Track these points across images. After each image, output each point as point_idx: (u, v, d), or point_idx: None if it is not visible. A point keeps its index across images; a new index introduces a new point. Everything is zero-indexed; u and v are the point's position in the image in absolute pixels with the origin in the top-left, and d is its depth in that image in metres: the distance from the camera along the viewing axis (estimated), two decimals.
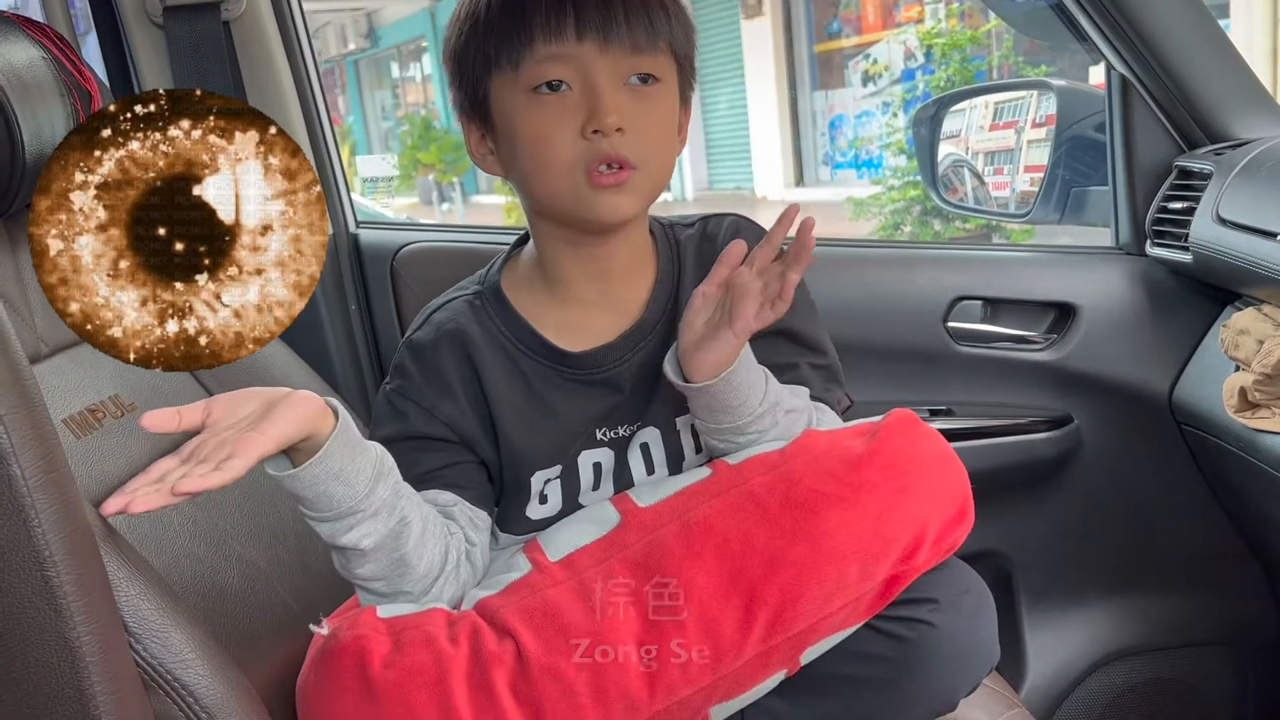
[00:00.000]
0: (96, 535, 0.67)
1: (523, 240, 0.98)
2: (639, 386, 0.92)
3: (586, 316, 0.93)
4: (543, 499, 0.92)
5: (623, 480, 0.92)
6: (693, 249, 0.96)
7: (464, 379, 0.92)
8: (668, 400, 0.91)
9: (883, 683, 0.82)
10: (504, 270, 0.97)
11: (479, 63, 0.88)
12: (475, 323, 0.93)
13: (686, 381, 0.85)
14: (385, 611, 0.81)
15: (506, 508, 0.94)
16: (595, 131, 0.84)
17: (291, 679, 0.83)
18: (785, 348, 0.95)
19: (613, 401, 0.92)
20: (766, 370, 0.88)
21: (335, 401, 0.79)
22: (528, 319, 0.93)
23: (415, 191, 11.75)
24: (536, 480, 0.92)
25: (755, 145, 10.08)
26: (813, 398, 0.93)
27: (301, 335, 1.33)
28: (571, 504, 0.92)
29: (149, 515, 0.91)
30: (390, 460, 0.83)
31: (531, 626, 0.78)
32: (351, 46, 14.97)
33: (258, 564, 0.98)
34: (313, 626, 0.82)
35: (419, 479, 0.88)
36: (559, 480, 0.92)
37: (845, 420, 0.93)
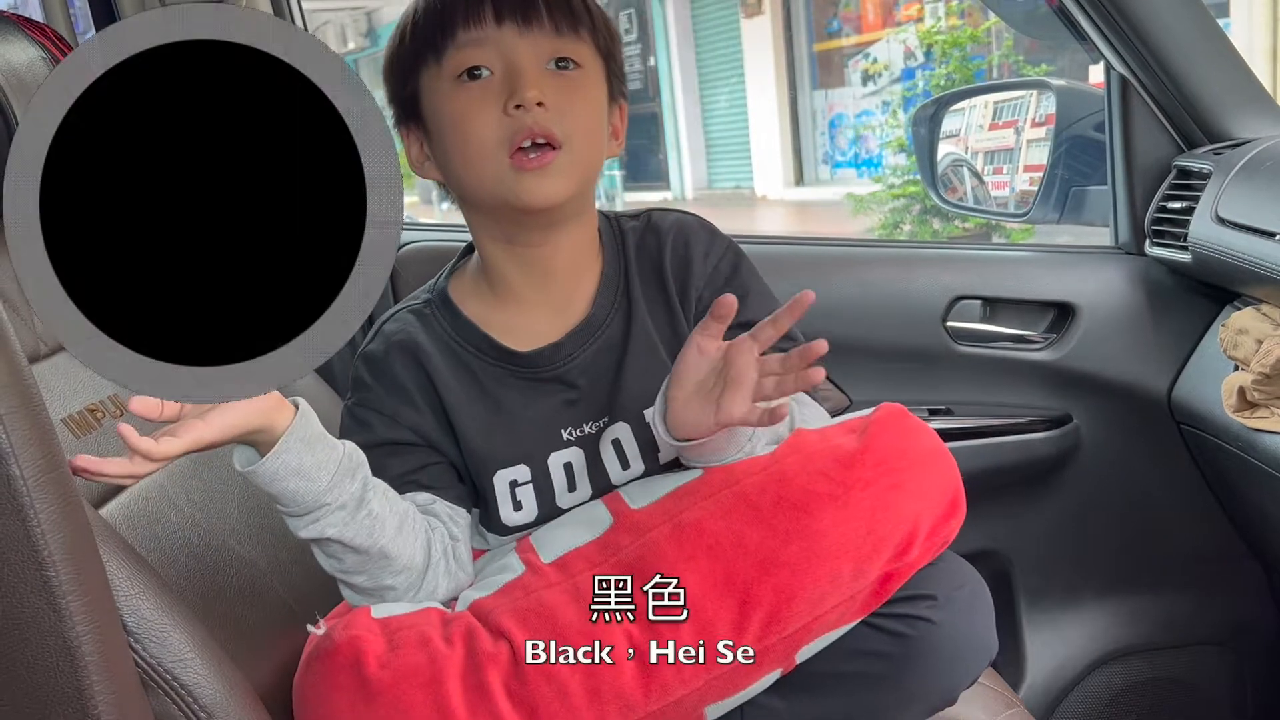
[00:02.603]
0: (95, 535, 0.67)
1: (471, 249, 0.98)
2: (596, 383, 0.92)
3: (532, 316, 0.93)
4: (517, 505, 0.92)
5: (598, 477, 0.92)
6: (635, 240, 0.96)
7: (420, 385, 0.92)
8: (633, 394, 0.91)
9: (882, 680, 0.82)
10: (452, 277, 0.98)
11: (407, 63, 0.90)
12: (423, 330, 0.94)
13: (671, 433, 0.82)
14: (379, 611, 0.82)
15: (484, 512, 0.94)
16: (517, 107, 0.85)
17: (291, 679, 0.83)
18: None
19: (568, 398, 0.92)
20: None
21: (299, 399, 0.80)
22: (475, 322, 0.93)
23: (415, 190, 11.75)
24: (500, 481, 0.92)
25: (755, 144, 10.08)
26: None
27: None
28: (548, 508, 0.92)
29: (148, 515, 0.92)
30: (361, 456, 0.83)
31: (526, 627, 0.78)
32: (351, 45, 14.94)
33: (257, 564, 0.98)
34: (310, 627, 0.82)
35: (393, 483, 0.88)
36: (530, 485, 0.92)
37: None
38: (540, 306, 0.93)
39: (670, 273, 0.95)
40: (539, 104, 0.84)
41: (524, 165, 0.85)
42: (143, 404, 0.70)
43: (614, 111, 0.94)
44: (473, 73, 0.86)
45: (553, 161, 0.86)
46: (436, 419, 0.92)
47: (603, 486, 0.91)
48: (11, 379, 0.61)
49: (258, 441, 0.78)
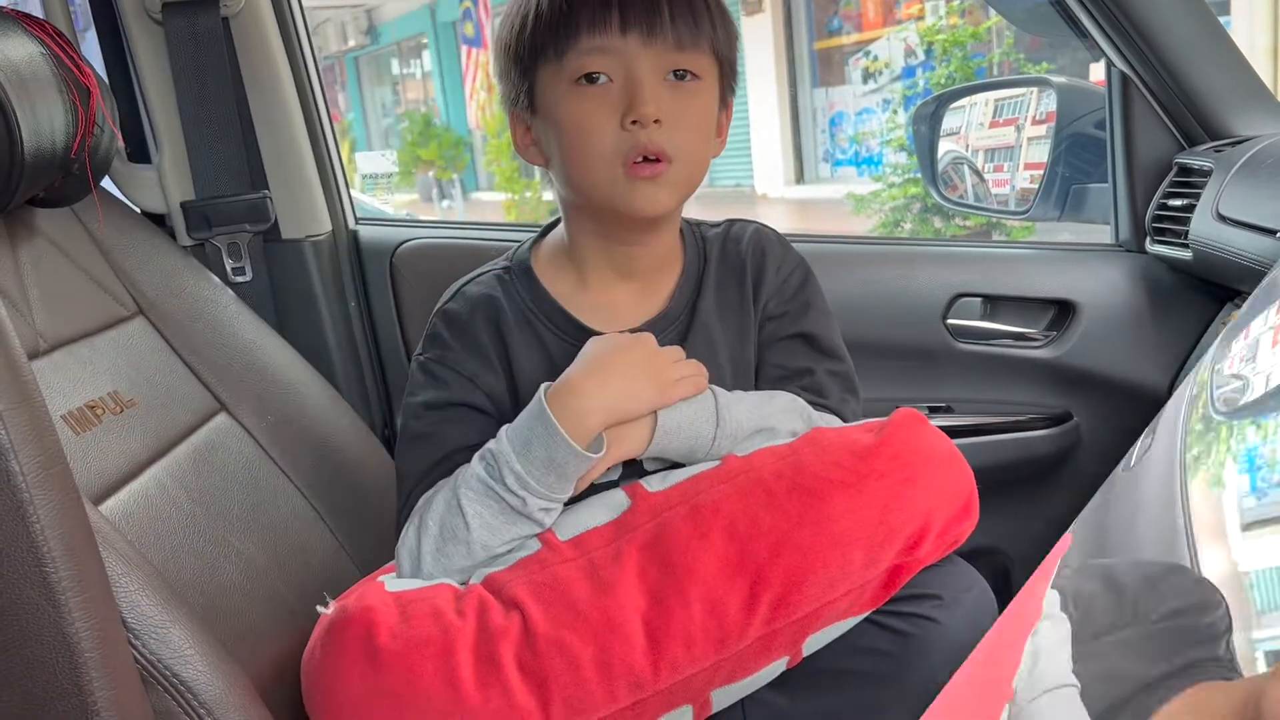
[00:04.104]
0: (95, 531, 0.67)
1: (552, 225, 1.00)
2: None
3: (613, 300, 0.96)
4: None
5: (632, 461, 0.92)
6: (718, 248, 0.99)
7: (497, 349, 0.94)
8: None
9: (884, 677, 0.83)
10: (533, 250, 0.99)
11: (529, 54, 0.90)
12: (504, 295, 0.95)
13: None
14: (393, 585, 0.83)
15: None
16: (634, 122, 0.86)
17: (291, 674, 0.83)
18: (802, 352, 0.97)
19: None
20: (716, 400, 0.88)
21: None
22: (555, 297, 0.95)
23: (415, 188, 11.74)
24: None
25: (755, 142, 10.08)
26: (828, 407, 0.94)
27: (301, 332, 1.33)
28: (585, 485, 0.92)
29: (148, 511, 0.92)
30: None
31: (540, 600, 0.79)
32: (351, 43, 14.94)
33: (257, 560, 0.98)
34: (319, 608, 0.82)
35: (451, 453, 0.89)
36: None
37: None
38: (623, 292, 0.96)
39: (750, 280, 0.98)
40: (655, 121, 0.86)
41: (638, 174, 0.87)
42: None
43: (722, 113, 0.95)
44: (591, 77, 0.87)
45: (664, 174, 0.88)
46: (508, 385, 0.94)
47: (634, 470, 0.92)
48: (10, 375, 0.61)
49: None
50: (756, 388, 0.96)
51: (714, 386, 0.90)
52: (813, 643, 0.81)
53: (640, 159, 0.87)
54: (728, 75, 0.94)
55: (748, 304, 0.97)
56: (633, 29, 0.86)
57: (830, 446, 0.84)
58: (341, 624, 0.79)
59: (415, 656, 0.76)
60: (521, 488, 0.83)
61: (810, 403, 0.94)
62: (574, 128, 0.88)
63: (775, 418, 0.90)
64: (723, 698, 0.81)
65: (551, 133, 0.90)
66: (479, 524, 0.84)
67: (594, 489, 0.91)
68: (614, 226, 0.93)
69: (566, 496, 0.84)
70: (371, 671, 0.76)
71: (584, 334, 0.93)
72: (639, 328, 0.94)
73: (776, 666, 0.81)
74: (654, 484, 0.86)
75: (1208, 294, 1.31)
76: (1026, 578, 1.41)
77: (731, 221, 1.02)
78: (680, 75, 0.89)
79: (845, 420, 0.95)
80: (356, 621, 0.78)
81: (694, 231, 1.00)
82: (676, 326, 0.95)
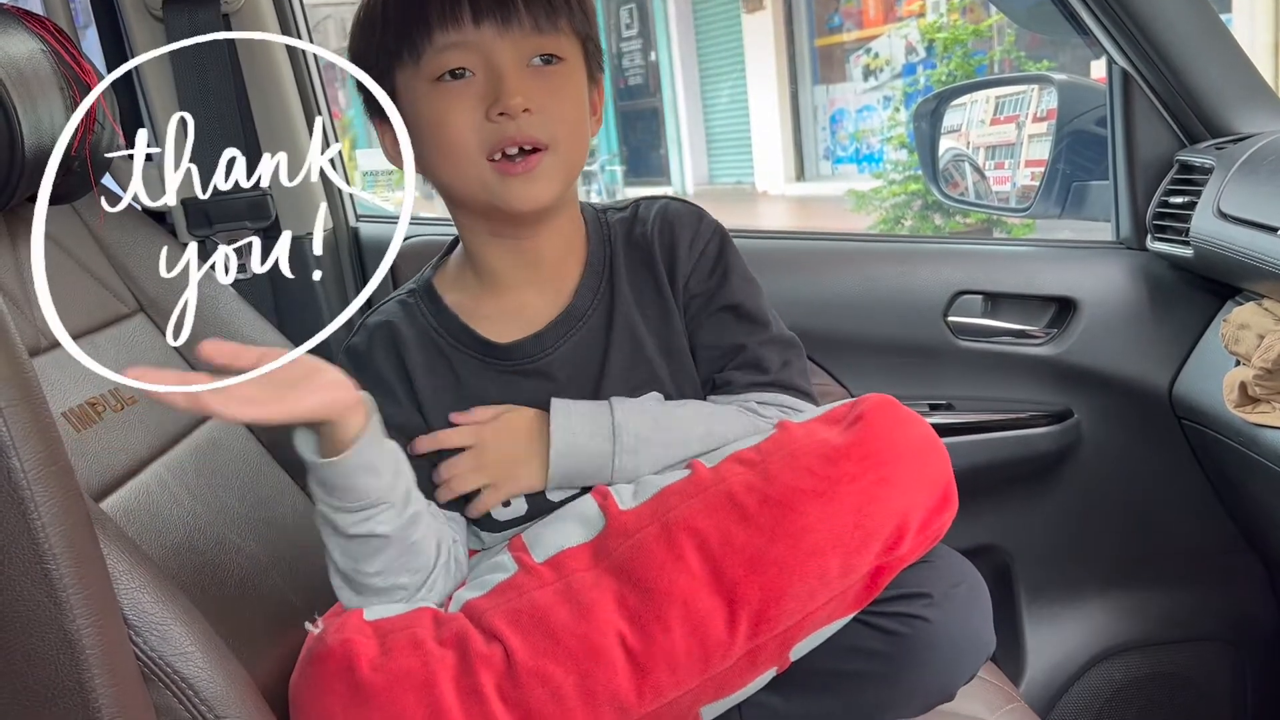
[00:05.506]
0: (96, 528, 0.67)
1: (457, 241, 0.98)
2: (577, 375, 0.92)
3: (519, 304, 0.93)
4: (505, 501, 0.91)
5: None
6: (623, 232, 0.96)
7: (399, 377, 0.92)
8: (617, 386, 0.91)
9: (879, 678, 0.82)
10: (438, 269, 0.97)
11: (381, 59, 0.88)
12: (407, 322, 0.93)
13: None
14: (372, 614, 0.81)
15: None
16: (501, 114, 0.83)
17: (291, 672, 0.83)
18: (731, 326, 0.93)
19: (550, 392, 0.91)
20: (613, 414, 0.87)
21: (367, 395, 0.80)
22: (459, 313, 0.93)
23: (418, 186, 11.73)
24: None
25: (756, 139, 10.08)
26: (773, 380, 0.91)
27: (301, 329, 1.32)
28: (538, 503, 0.90)
29: (149, 508, 0.92)
30: (402, 453, 0.84)
31: (519, 629, 0.77)
32: None
33: (258, 557, 0.98)
34: (308, 625, 0.82)
35: None
36: None
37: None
38: (528, 293, 0.93)
39: (660, 261, 0.94)
40: (525, 110, 0.83)
41: (509, 171, 0.85)
42: (211, 349, 0.70)
43: (593, 90, 0.92)
44: (453, 73, 0.85)
45: (539, 165, 0.85)
46: (415, 410, 0.92)
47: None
48: (12, 372, 0.61)
49: (325, 432, 0.78)
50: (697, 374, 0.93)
51: (614, 399, 0.88)
52: (799, 649, 0.80)
53: (512, 150, 0.84)
54: (592, 53, 0.91)
55: (664, 288, 0.93)
56: (486, 19, 0.84)
57: (800, 451, 0.81)
58: (321, 657, 0.77)
59: (398, 689, 0.75)
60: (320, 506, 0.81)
61: (754, 382, 0.91)
62: (435, 125, 0.85)
63: (686, 427, 0.87)
64: (712, 712, 0.80)
65: (416, 135, 0.87)
66: (340, 555, 0.83)
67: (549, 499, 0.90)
68: (502, 223, 0.90)
69: (352, 504, 0.79)
70: (355, 704, 0.75)
71: (485, 347, 0.91)
72: (540, 331, 0.91)
73: (764, 678, 0.80)
74: (625, 497, 0.84)
75: (1209, 291, 1.31)
76: (1027, 574, 1.42)
77: (638, 202, 0.98)
78: (546, 60, 0.86)
79: (796, 389, 0.92)
80: (336, 654, 0.77)
81: (599, 218, 0.96)
82: (588, 324, 0.92)
